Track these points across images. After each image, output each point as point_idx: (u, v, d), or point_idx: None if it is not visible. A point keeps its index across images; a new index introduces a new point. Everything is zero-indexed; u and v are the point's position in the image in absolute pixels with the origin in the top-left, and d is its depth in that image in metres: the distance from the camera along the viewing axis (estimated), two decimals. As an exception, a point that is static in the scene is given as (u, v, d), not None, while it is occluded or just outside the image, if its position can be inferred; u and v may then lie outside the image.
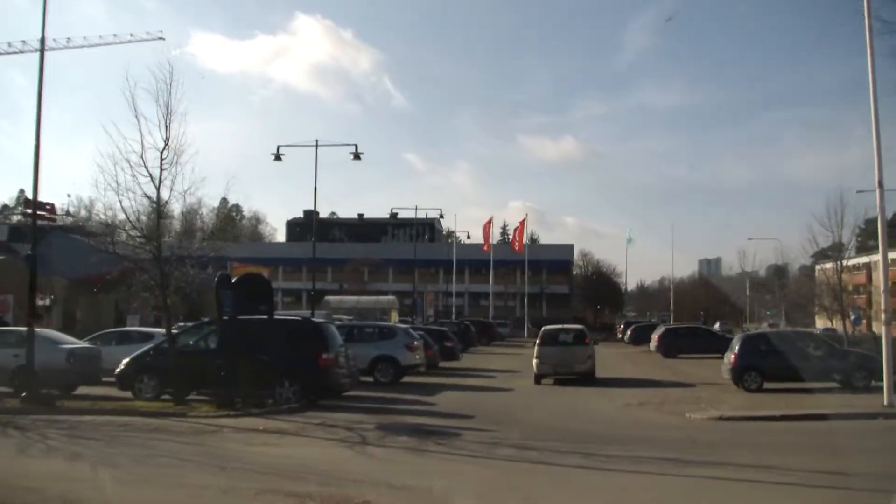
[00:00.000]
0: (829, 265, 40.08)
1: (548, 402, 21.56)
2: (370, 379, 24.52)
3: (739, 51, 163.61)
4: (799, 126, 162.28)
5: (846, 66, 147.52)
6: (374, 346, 26.56)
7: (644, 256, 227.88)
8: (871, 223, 36.68)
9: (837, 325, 40.77)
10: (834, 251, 39.23)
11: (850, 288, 45.72)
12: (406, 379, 25.92)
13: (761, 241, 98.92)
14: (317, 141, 37.41)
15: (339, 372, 19.89)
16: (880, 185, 17.00)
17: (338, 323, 29.80)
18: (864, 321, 57.37)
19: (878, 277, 77.01)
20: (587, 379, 26.55)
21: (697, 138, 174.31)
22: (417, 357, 27.06)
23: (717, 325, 62.01)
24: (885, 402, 17.13)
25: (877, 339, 29.16)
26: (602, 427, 16.10)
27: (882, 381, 23.49)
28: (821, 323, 55.46)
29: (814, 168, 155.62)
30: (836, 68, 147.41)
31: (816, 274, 51.97)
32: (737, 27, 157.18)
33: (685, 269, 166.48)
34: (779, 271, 55.18)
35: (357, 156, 38.67)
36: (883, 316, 17.10)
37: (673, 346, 42.96)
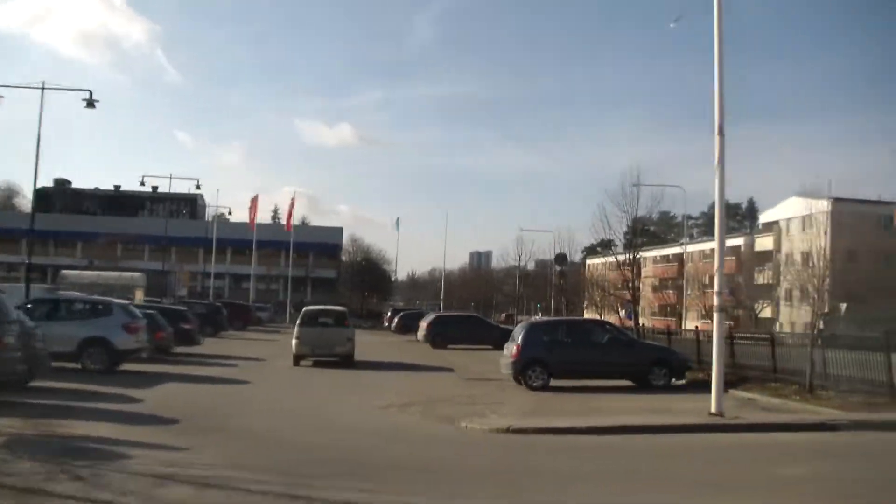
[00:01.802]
0: (605, 259, 38.92)
1: (287, 401, 16.99)
2: (78, 366, 19.56)
3: (520, 46, 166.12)
4: (575, 121, 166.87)
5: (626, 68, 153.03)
6: (83, 325, 21.06)
7: (417, 247, 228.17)
8: (637, 221, 35.89)
9: (611, 318, 39.72)
10: (603, 246, 38.20)
11: (620, 283, 44.98)
12: (126, 366, 20.85)
13: (541, 233, 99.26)
14: (43, 83, 32.43)
15: (8, 358, 14.14)
16: (720, 132, 13.86)
17: (38, 296, 24.93)
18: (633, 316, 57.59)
19: (647, 272, 78.63)
20: (346, 362, 25.76)
21: (475, 129, 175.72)
22: (138, 340, 21.69)
23: (503, 316, 59.85)
24: (714, 410, 13.78)
25: (669, 334, 28.08)
26: (347, 442, 11.57)
27: (683, 378, 21.26)
28: (589, 316, 54.86)
29: (600, 161, 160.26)
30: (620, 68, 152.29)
31: (588, 267, 51.57)
32: (519, 20, 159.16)
33: (460, 260, 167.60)
34: (559, 260, 54.03)
35: (91, 103, 33.25)
36: (716, 301, 13.84)
37: (443, 335, 39.54)
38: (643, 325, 40.33)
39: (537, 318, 28.30)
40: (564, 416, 14.55)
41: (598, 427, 12.81)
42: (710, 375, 23.58)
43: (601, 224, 36.24)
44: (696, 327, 30.27)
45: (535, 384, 20.13)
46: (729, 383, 21.00)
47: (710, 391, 16.09)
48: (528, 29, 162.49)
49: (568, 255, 54.46)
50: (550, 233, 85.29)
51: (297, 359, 25.86)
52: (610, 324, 25.50)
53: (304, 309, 29.11)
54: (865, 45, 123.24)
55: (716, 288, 13.93)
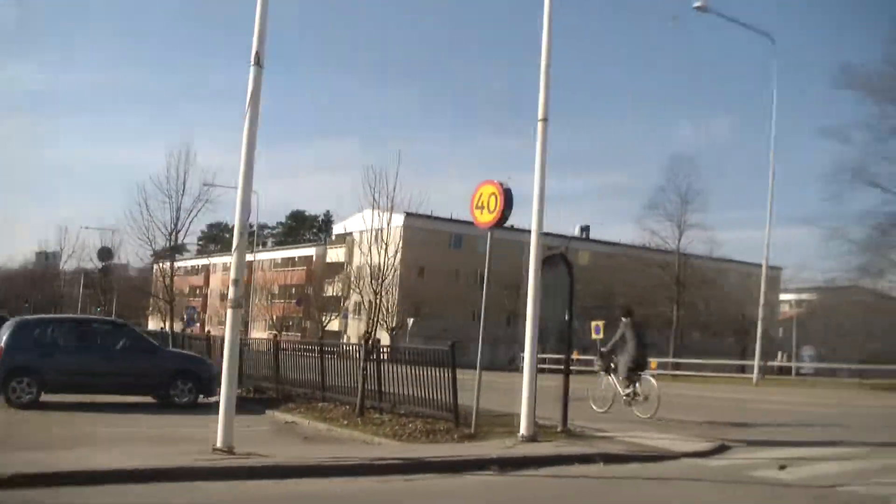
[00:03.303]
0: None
1: None
2: None
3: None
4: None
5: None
6: None
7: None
8: (213, 227, 31.63)
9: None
10: (166, 252, 33.88)
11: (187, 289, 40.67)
12: None
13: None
14: None
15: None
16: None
17: None
18: (199, 323, 53.52)
19: (216, 280, 74.43)
20: None
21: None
22: None
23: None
24: (219, 444, 9.68)
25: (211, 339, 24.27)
26: None
27: (214, 395, 17.23)
28: (154, 323, 49.70)
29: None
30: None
31: (155, 273, 46.90)
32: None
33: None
34: (103, 255, 47.54)
35: None
36: (231, 293, 9.84)
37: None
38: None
39: (30, 316, 22.64)
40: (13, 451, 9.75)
41: (29, 476, 8.09)
42: (252, 391, 20.47)
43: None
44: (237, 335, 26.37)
45: (23, 399, 15.84)
46: (272, 402, 18.03)
47: (247, 411, 13.92)
48: None
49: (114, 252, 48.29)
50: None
51: None
52: (127, 325, 20.79)
53: None
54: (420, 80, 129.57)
55: (232, 274, 10.00)
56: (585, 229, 78.53)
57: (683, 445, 11.44)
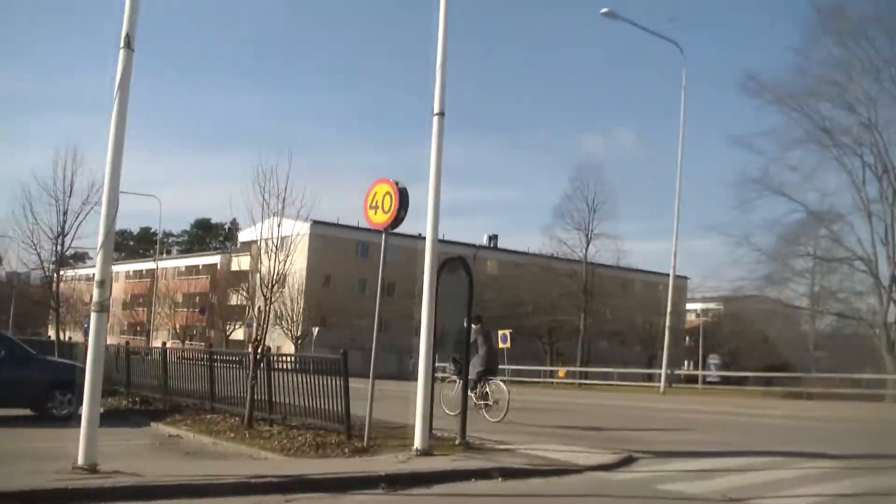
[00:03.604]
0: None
1: None
2: None
3: None
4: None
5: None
6: None
7: None
8: (115, 234, 29.75)
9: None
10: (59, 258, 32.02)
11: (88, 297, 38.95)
12: None
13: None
14: None
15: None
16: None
17: None
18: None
19: (118, 288, 72.34)
20: None
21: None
22: None
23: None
24: (81, 462, 8.68)
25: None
26: None
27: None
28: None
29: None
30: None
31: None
32: None
33: None
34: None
35: None
36: (95, 295, 8.85)
37: None
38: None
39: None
40: None
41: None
42: (140, 402, 19.29)
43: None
44: (127, 342, 25.26)
45: None
46: (159, 414, 17.03)
47: (130, 424, 13.63)
48: None
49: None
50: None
51: None
52: (2, 334, 19.44)
53: None
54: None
55: (97, 275, 8.96)
56: (493, 238, 78.47)
57: (588, 458, 10.87)
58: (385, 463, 10.03)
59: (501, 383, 16.51)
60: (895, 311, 35.20)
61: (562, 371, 50.02)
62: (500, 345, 42.84)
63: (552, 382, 46.04)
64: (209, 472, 9.35)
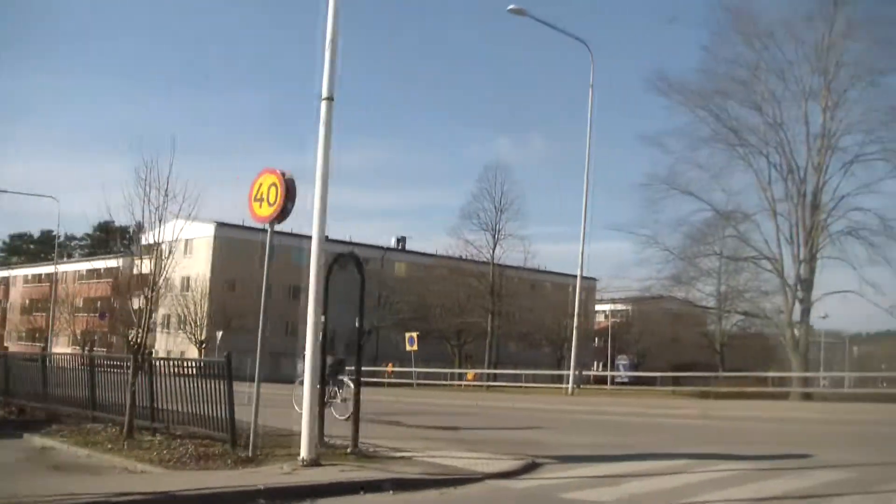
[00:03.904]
0: None
1: None
2: None
3: None
4: None
5: None
6: None
7: None
8: (15, 237, 28.47)
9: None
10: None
11: None
12: None
13: None
14: None
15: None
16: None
17: None
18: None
19: (17, 293, 69.63)
20: None
21: None
22: None
23: None
24: None
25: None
26: None
27: None
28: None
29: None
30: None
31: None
32: None
33: None
34: None
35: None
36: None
37: None
38: None
39: None
40: None
41: None
42: (17, 411, 18.02)
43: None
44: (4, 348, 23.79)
45: None
46: (35, 424, 15.89)
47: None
48: None
49: None
50: None
51: None
52: None
53: None
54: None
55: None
56: (402, 240, 77.60)
57: (489, 465, 10.24)
58: (268, 475, 9.23)
59: (350, 382, 16.16)
60: (800, 310, 35.67)
61: (470, 373, 49.53)
62: (408, 347, 42.42)
63: (461, 385, 45.56)
64: (68, 489, 8.41)
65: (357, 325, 11.38)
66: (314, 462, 9.76)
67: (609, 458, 11.45)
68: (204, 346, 56.42)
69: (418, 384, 42.09)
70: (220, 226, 61.32)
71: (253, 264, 66.88)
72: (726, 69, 37.65)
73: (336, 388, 16.11)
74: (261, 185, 10.90)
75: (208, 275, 61.83)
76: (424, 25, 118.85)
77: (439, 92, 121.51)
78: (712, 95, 37.44)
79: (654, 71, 66.65)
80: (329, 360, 16.67)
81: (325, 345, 11.00)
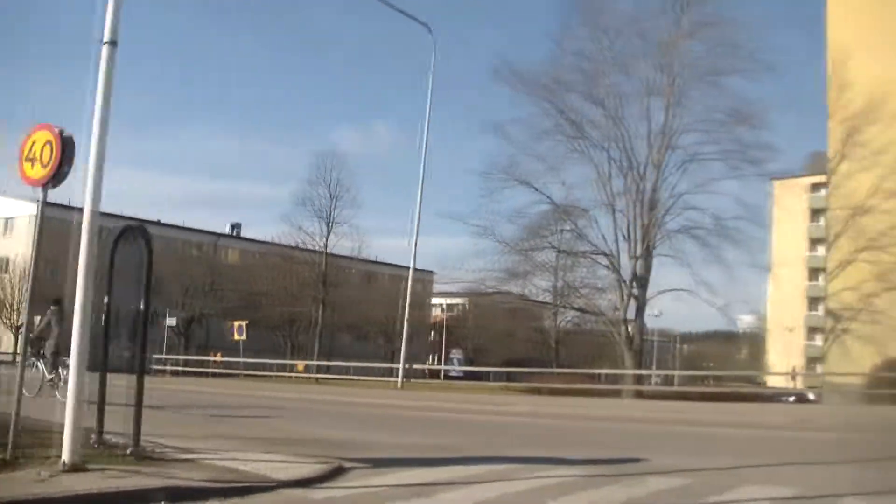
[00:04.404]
0: None
1: None
2: None
3: None
4: None
5: None
6: None
7: None
8: None
9: None
10: None
11: None
12: None
13: None
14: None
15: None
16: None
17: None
18: None
19: None
20: None
21: None
22: None
23: None
24: None
25: None
26: None
27: None
28: None
29: None
30: None
31: None
32: None
33: None
34: None
35: None
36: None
37: None
38: None
39: None
40: None
41: None
42: None
43: None
44: None
45: None
46: None
47: None
48: None
49: None
50: None
51: None
52: None
53: None
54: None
55: None
56: (237, 227, 75.19)
57: (288, 470, 8.98)
58: (18, 484, 7.69)
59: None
60: (634, 308, 36.04)
61: (300, 365, 48.05)
62: (235, 336, 40.59)
63: (290, 377, 44.01)
64: None
65: (143, 307, 9.91)
66: (78, 466, 8.25)
67: (427, 462, 10.33)
68: (20, 331, 52.99)
69: (245, 375, 40.27)
70: (50, 206, 57.55)
71: (77, 245, 63.19)
72: (572, 61, 37.73)
73: (61, 371, 16.56)
74: (34, 143, 9.28)
75: (29, 256, 58.11)
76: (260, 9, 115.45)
77: (280, 78, 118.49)
78: (556, 87, 37.40)
79: (499, 58, 66.60)
80: (53, 344, 17.36)
81: (108, 328, 9.61)
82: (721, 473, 9.88)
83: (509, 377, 40.05)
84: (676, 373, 51.17)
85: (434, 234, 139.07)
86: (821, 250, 57.47)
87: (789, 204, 56.32)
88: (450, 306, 72.60)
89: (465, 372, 51.30)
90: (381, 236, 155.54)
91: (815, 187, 69.02)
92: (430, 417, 19.02)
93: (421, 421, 18.09)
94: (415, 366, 50.39)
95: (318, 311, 53.13)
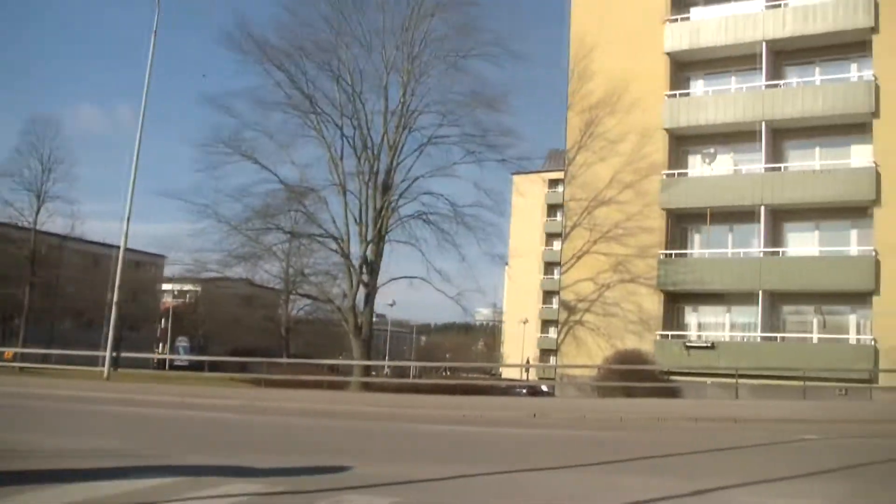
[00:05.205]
0: None
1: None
2: None
3: None
4: None
5: None
6: None
7: None
8: None
9: None
10: None
11: None
12: None
13: None
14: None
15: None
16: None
17: None
18: None
19: None
20: None
21: None
22: None
23: None
24: None
25: None
26: None
27: None
28: None
29: None
30: None
31: None
32: None
33: None
34: None
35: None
36: None
37: None
38: None
39: None
40: None
41: None
42: None
43: None
44: None
45: None
46: None
47: None
48: None
49: None
50: None
51: None
52: None
53: None
54: None
55: None
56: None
57: None
58: None
59: None
60: (364, 295, 34.83)
61: (8, 352, 43.41)
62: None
63: (-3, 367, 39.36)
64: None
65: None
66: None
67: (75, 476, 8.25)
68: None
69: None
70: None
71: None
72: (308, 32, 35.83)
73: None
74: None
75: None
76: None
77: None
78: (290, 57, 35.38)
79: (234, 23, 62.96)
80: None
81: None
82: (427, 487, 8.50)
83: (242, 367, 37.45)
84: (410, 363, 50.98)
85: (166, 219, 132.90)
86: (556, 245, 59.23)
87: (528, 198, 57.58)
88: (181, 293, 68.72)
89: (192, 361, 48.40)
90: (110, 218, 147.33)
91: (554, 183, 71.71)
92: (124, 413, 16.85)
93: (112, 417, 15.93)
94: (140, 355, 47.06)
95: (26, 294, 48.19)
